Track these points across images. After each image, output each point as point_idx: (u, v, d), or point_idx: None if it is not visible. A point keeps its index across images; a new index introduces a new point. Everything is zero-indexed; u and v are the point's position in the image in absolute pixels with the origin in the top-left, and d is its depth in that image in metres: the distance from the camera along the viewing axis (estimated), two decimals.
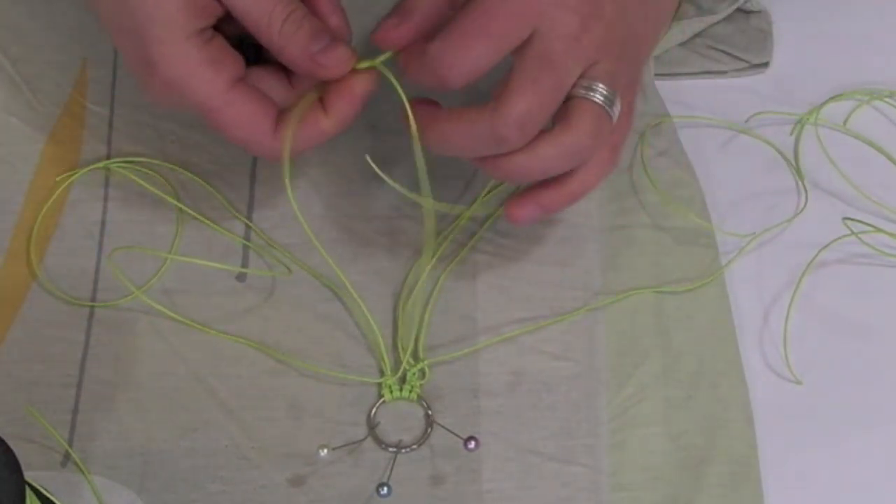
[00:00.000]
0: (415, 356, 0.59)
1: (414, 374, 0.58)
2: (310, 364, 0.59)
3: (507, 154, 0.52)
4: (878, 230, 0.61)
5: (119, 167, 0.64)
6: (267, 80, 0.56)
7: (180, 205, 0.63)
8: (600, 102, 0.52)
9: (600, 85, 0.52)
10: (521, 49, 0.51)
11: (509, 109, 0.51)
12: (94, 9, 0.55)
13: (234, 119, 0.54)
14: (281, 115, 0.55)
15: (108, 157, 0.65)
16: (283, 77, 0.56)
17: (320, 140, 0.55)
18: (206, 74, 0.53)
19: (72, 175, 0.64)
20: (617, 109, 0.53)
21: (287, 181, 0.55)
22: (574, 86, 0.52)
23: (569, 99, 0.52)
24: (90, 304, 0.61)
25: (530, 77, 0.51)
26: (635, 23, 0.55)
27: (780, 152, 0.66)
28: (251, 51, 0.56)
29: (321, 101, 0.55)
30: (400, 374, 0.58)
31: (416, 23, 0.54)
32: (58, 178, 0.63)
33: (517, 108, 0.51)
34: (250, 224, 0.63)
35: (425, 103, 0.55)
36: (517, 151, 0.52)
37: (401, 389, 0.58)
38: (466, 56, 0.51)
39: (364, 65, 0.55)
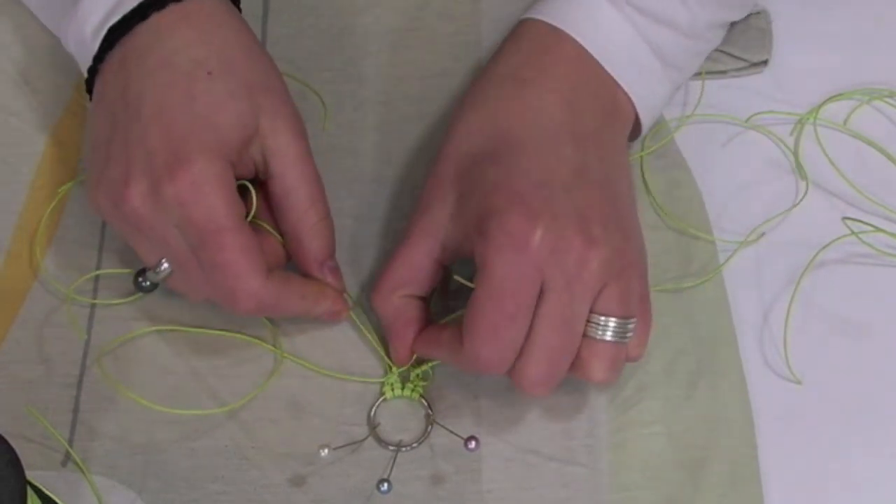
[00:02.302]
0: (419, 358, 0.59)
1: (418, 374, 0.58)
2: (312, 364, 0.59)
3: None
4: (878, 230, 0.61)
5: None
6: None
7: None
8: (611, 340, 0.53)
9: (611, 321, 0.53)
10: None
11: (530, 374, 0.53)
12: (126, 94, 0.54)
13: (243, 243, 0.53)
14: None
15: None
16: None
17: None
18: (229, 196, 0.53)
19: (73, 181, 0.64)
20: (631, 332, 0.54)
21: None
22: (588, 320, 0.53)
23: (583, 336, 0.53)
24: (91, 300, 0.61)
25: (540, 342, 0.52)
26: (613, 178, 0.56)
27: (780, 151, 0.66)
28: None
29: None
30: (402, 371, 0.58)
31: (415, 333, 0.57)
32: (60, 190, 0.63)
33: (536, 372, 0.53)
34: None
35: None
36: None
37: (402, 388, 0.58)
38: (501, 346, 0.52)
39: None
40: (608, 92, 0.58)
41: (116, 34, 0.55)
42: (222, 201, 0.53)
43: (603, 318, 0.53)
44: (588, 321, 0.53)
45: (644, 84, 0.59)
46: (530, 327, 0.52)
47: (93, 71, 0.57)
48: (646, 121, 0.60)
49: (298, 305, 0.57)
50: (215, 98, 0.54)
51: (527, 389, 0.53)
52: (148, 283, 0.58)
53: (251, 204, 0.56)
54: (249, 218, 0.55)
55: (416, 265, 0.56)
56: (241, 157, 0.55)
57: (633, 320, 0.54)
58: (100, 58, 0.56)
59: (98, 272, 0.61)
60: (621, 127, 0.60)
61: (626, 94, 0.59)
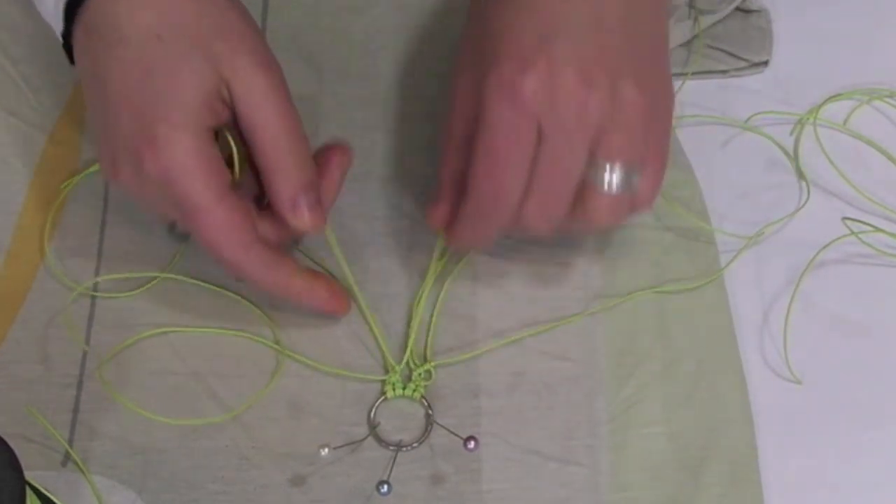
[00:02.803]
0: (422, 357, 0.59)
1: (420, 374, 0.58)
2: (312, 361, 0.59)
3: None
4: (878, 230, 0.61)
5: None
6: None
7: None
8: (614, 187, 0.53)
9: (613, 167, 0.53)
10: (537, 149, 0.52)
11: (529, 212, 0.53)
12: (95, 73, 0.54)
13: (220, 221, 0.53)
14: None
15: None
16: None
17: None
18: (206, 170, 0.53)
19: (73, 180, 0.64)
20: (636, 177, 0.53)
21: None
22: (589, 164, 0.53)
23: (586, 181, 0.53)
24: (91, 292, 0.61)
25: (540, 183, 0.52)
26: (633, 33, 0.55)
27: (780, 152, 0.66)
28: None
29: None
30: (404, 368, 0.58)
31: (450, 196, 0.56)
32: (62, 186, 0.64)
33: (535, 209, 0.53)
34: None
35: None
36: None
37: (404, 388, 0.58)
38: (501, 196, 0.53)
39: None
40: None
41: (74, 6, 0.55)
42: (194, 179, 0.52)
43: (604, 162, 0.53)
44: (590, 166, 0.53)
45: None
46: (531, 172, 0.52)
47: (68, 47, 0.57)
48: None
49: (290, 285, 0.57)
50: (169, 65, 0.53)
51: (526, 226, 0.54)
52: (178, 229, 0.60)
53: (236, 154, 0.56)
54: (237, 173, 0.55)
55: (467, 119, 0.55)
56: (214, 110, 0.53)
57: (637, 167, 0.53)
58: (69, 33, 0.56)
59: (98, 279, 0.61)
60: None
61: None
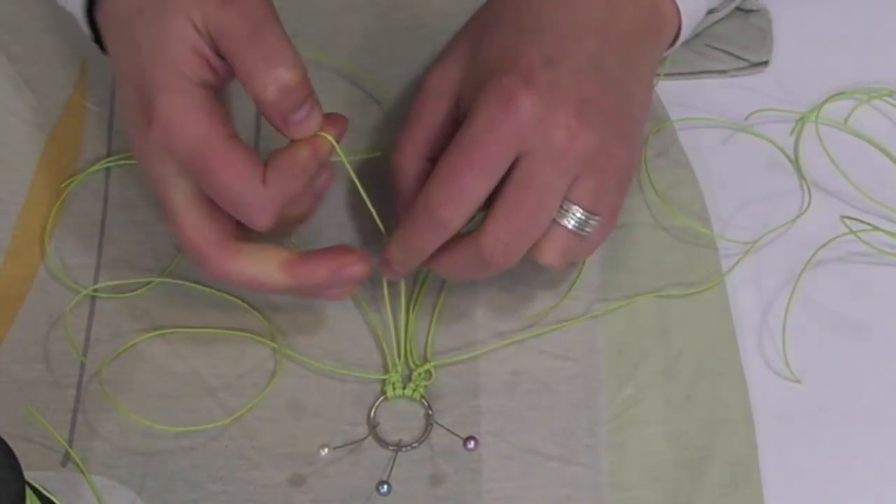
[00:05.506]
0: (422, 357, 0.59)
1: (420, 374, 0.58)
2: (312, 361, 0.59)
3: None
4: (877, 229, 0.61)
5: (119, 167, 0.64)
6: None
7: None
8: (571, 229, 0.53)
9: (575, 208, 0.53)
10: (507, 173, 0.52)
11: (492, 237, 0.52)
12: (111, 54, 0.55)
13: (226, 163, 0.52)
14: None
15: (108, 156, 0.65)
16: None
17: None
18: (203, 117, 0.52)
19: (73, 180, 0.64)
20: (592, 228, 0.54)
21: None
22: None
23: None
24: (92, 290, 0.61)
25: (512, 202, 0.52)
26: (629, 84, 0.55)
27: (780, 151, 0.66)
28: None
29: None
30: (404, 368, 0.58)
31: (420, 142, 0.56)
32: (62, 185, 0.64)
33: (499, 235, 0.52)
34: None
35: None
36: None
37: (404, 388, 0.58)
38: (455, 191, 0.52)
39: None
40: (655, 2, 0.58)
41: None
42: (197, 124, 0.52)
43: (570, 204, 0.53)
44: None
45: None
46: (498, 189, 0.52)
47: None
48: (684, 34, 0.59)
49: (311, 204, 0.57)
50: (151, 33, 0.53)
51: (484, 255, 0.53)
52: None
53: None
54: None
55: (433, 122, 0.56)
56: (202, 63, 0.53)
57: (597, 217, 0.54)
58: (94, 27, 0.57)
59: (95, 286, 0.61)
60: (658, 40, 0.59)
61: (674, 6, 0.58)
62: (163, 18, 0.52)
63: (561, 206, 0.53)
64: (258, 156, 0.53)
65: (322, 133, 0.54)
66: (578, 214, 0.53)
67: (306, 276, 0.55)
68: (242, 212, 0.53)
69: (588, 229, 0.54)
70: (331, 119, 0.55)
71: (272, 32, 0.53)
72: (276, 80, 0.52)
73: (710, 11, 0.63)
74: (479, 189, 0.52)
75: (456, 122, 0.55)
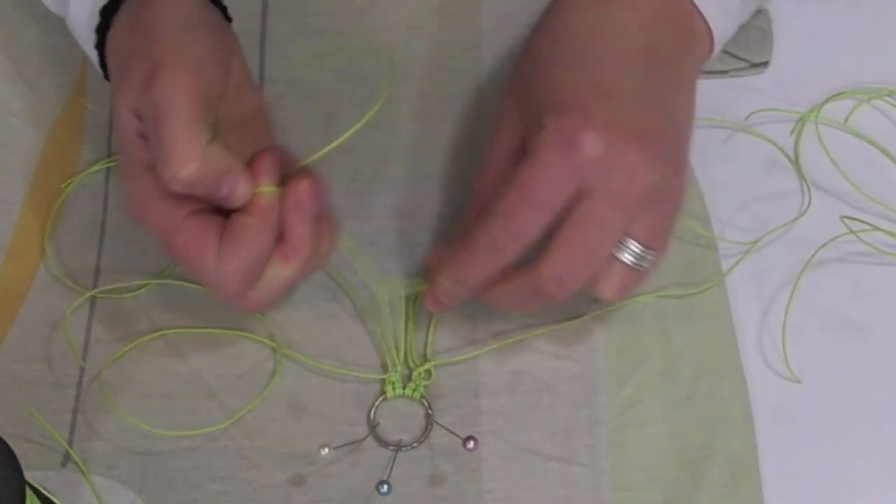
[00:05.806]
0: (422, 357, 0.59)
1: (420, 374, 0.58)
2: (312, 361, 0.59)
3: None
4: (877, 229, 0.61)
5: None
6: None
7: None
8: (629, 264, 0.53)
9: (633, 244, 0.53)
10: (568, 209, 0.52)
11: (549, 271, 0.52)
12: None
13: (183, 246, 0.52)
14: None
15: (108, 157, 0.65)
16: None
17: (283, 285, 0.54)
18: (157, 205, 0.52)
19: (73, 180, 0.64)
20: (649, 263, 0.54)
21: None
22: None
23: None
24: (93, 292, 0.61)
25: (571, 238, 0.52)
26: (676, 110, 0.56)
27: (780, 151, 0.66)
28: None
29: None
30: (404, 368, 0.58)
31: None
32: (63, 185, 0.64)
33: (557, 269, 0.52)
34: None
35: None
36: None
37: (404, 388, 0.58)
38: (513, 228, 0.52)
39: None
40: (689, 23, 0.57)
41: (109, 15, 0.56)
42: (152, 213, 0.52)
43: (628, 240, 0.53)
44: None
45: (722, 17, 0.58)
46: (558, 227, 0.52)
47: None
48: (716, 52, 0.59)
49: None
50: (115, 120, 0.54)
51: (541, 287, 0.53)
52: None
53: None
54: None
55: (499, 163, 0.56)
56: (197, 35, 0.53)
57: (653, 252, 0.53)
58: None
59: (96, 289, 0.61)
60: (697, 60, 0.59)
61: (706, 26, 0.57)
62: (116, 103, 0.53)
63: (619, 242, 0.53)
64: (217, 228, 0.52)
65: (259, 190, 0.52)
66: (636, 250, 0.53)
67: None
68: (206, 285, 0.53)
69: (645, 264, 0.53)
70: (265, 158, 0.52)
71: (178, 121, 0.50)
72: (174, 177, 0.50)
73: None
74: (536, 226, 0.52)
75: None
